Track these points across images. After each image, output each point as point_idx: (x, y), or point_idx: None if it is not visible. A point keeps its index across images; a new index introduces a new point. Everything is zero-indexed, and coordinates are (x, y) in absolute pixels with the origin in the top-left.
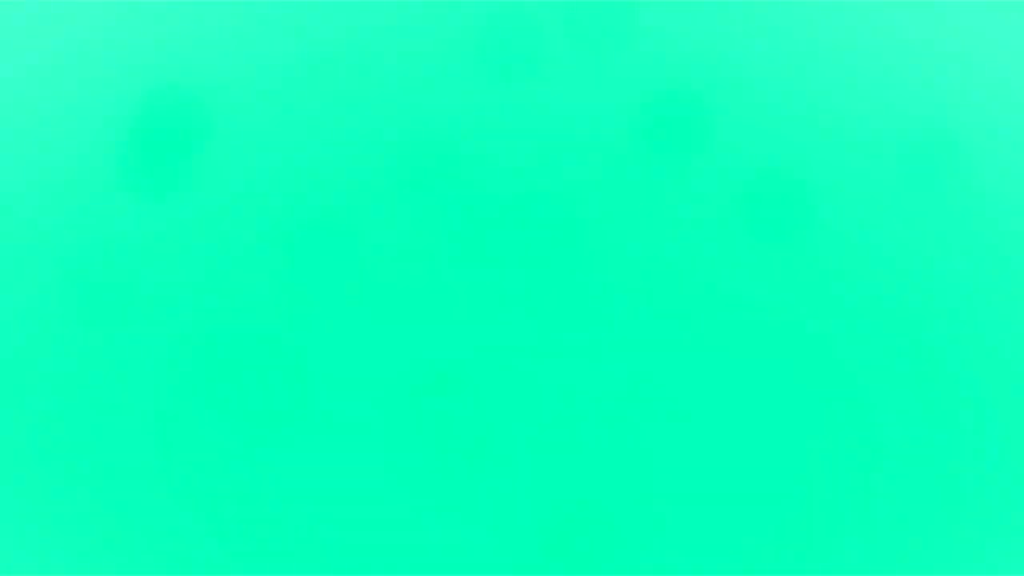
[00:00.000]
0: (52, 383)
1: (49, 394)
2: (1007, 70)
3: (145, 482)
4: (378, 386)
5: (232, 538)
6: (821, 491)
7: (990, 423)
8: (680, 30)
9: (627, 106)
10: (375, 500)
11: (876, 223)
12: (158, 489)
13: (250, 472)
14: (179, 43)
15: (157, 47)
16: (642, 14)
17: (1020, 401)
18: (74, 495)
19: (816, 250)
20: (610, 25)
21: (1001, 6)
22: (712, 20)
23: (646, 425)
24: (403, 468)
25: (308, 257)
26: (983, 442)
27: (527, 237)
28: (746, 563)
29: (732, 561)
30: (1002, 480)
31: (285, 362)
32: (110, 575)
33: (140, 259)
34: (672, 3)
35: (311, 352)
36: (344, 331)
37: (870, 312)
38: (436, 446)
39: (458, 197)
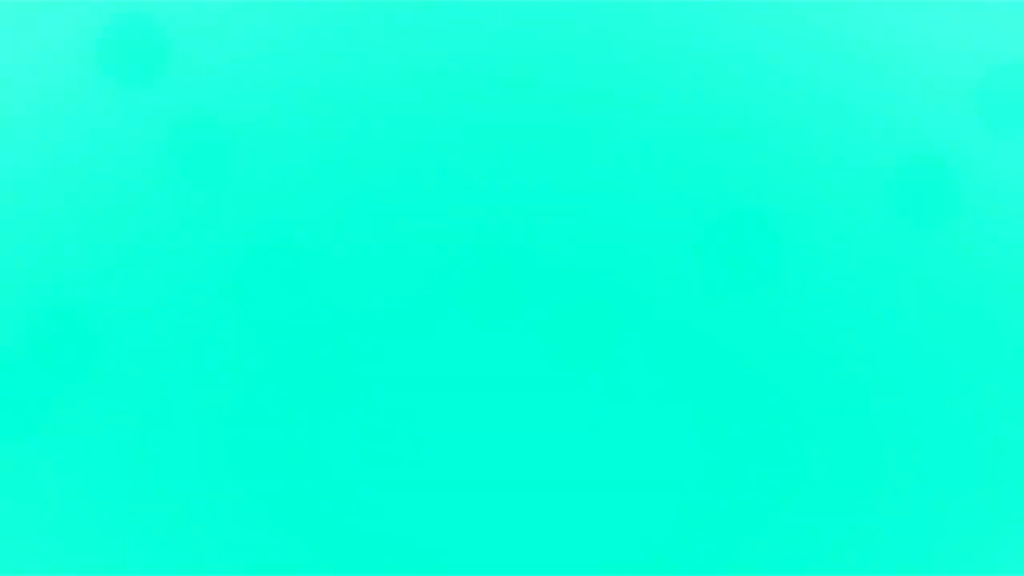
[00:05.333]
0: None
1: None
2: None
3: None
4: (377, 389)
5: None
6: (814, 496)
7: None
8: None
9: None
10: (373, 504)
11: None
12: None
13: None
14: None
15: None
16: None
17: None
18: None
19: (807, 257)
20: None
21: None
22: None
23: (639, 435)
24: (403, 472)
25: (310, 261)
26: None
27: (519, 241)
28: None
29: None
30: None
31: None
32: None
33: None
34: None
35: (311, 358)
36: (345, 335)
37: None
38: (437, 451)
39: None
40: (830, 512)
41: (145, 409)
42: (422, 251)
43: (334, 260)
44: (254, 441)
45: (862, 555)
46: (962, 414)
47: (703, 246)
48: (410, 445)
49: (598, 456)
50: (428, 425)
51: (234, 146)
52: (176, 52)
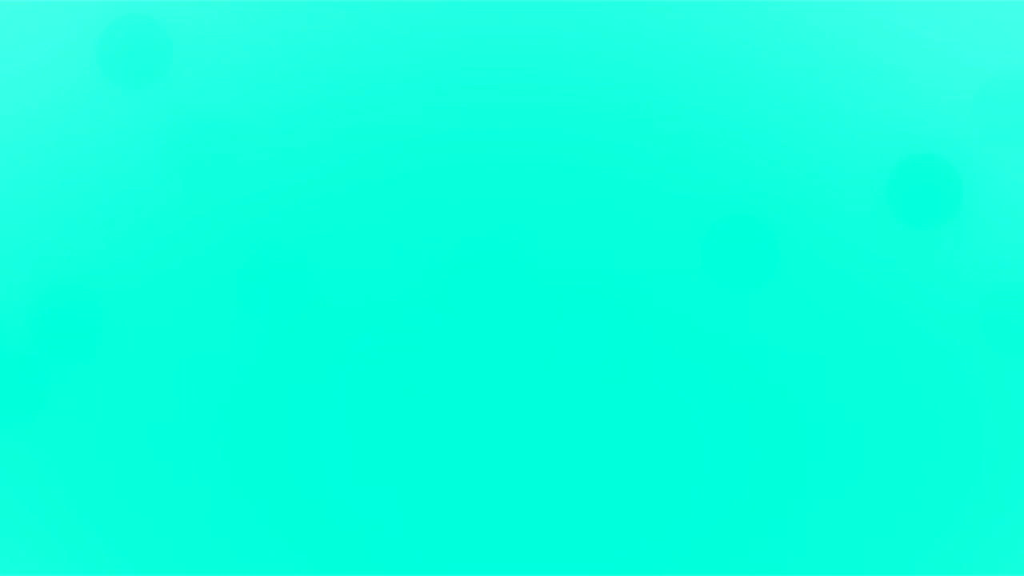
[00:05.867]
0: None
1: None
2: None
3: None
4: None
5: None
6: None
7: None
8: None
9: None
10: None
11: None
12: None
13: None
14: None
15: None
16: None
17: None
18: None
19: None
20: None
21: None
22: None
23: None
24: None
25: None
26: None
27: (514, 243)
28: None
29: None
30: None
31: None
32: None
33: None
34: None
35: (310, 361)
36: (345, 336)
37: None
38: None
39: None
40: (830, 512)
41: (144, 410)
42: (422, 252)
43: (333, 260)
44: (252, 439)
45: (862, 555)
46: (963, 415)
47: (703, 247)
48: (410, 445)
49: (598, 456)
50: (428, 425)
51: (234, 146)
52: (177, 52)
